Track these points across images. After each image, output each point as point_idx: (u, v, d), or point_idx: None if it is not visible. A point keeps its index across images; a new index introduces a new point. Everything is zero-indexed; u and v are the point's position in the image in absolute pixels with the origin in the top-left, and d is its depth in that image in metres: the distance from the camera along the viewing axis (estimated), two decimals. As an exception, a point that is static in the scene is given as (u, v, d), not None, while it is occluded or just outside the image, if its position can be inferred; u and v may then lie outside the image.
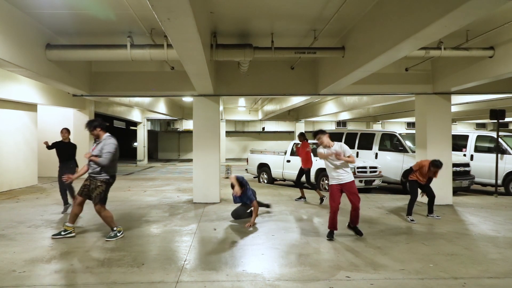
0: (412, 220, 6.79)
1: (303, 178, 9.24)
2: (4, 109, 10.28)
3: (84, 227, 6.18)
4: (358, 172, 10.29)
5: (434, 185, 7.44)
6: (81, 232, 5.87)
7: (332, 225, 5.58)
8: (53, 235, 5.51)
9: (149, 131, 25.35)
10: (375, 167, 10.82)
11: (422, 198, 7.55)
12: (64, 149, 7.35)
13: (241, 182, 6.60)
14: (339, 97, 16.63)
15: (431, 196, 7.14)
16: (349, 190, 5.57)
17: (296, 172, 12.22)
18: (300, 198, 9.07)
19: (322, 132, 5.72)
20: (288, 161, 12.14)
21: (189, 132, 27.28)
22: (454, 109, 13.95)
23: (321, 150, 5.64)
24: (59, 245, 5.18)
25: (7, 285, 3.82)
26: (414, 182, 7.06)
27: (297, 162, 11.78)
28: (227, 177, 14.30)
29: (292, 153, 12.16)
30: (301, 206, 8.26)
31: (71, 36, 7.11)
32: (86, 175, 5.60)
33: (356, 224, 5.74)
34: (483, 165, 11.25)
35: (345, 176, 5.56)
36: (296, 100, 14.23)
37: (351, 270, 4.29)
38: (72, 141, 7.65)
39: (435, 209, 7.35)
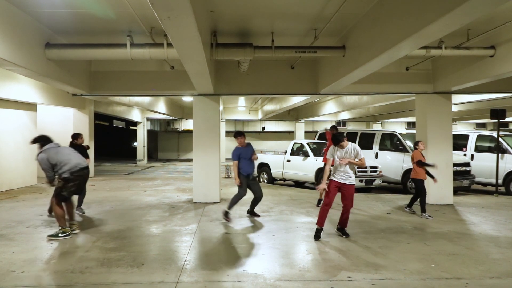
0: (430, 216, 6.98)
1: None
2: (4, 108, 10.25)
3: (84, 227, 6.15)
4: (358, 172, 10.26)
5: (435, 184, 7.44)
6: (80, 232, 5.83)
7: (320, 222, 5.53)
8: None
9: (149, 131, 25.32)
10: (376, 167, 10.80)
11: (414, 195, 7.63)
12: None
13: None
14: (339, 97, 16.61)
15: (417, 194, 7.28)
16: (347, 191, 5.52)
17: (297, 172, 12.20)
18: (320, 201, 8.20)
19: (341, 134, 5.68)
20: (288, 160, 12.11)
21: (189, 132, 27.26)
22: (454, 108, 13.92)
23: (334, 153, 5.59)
24: (58, 245, 5.15)
25: (6, 285, 3.79)
26: (418, 180, 7.20)
27: (297, 162, 11.80)
28: (227, 177, 14.27)
29: (293, 153, 12.14)
30: (302, 206, 8.23)
31: (70, 35, 7.08)
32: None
33: (344, 226, 5.72)
34: (484, 165, 11.23)
35: (348, 177, 5.52)
36: (296, 100, 14.21)
37: (352, 270, 4.27)
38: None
39: (437, 208, 7.33)
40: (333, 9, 5.57)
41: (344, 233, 5.70)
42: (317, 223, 5.60)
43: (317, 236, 5.52)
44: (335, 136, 5.50)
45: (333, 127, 8.15)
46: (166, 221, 6.68)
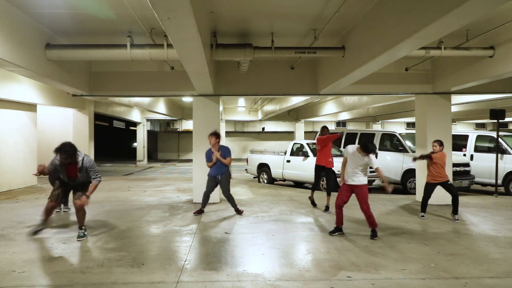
0: (422, 216, 7.07)
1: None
2: (4, 109, 10.26)
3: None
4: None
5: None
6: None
7: (337, 222, 5.78)
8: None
9: (148, 131, 25.34)
10: (375, 167, 10.80)
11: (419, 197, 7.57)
12: None
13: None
14: (339, 97, 16.62)
15: (454, 195, 7.03)
16: (357, 192, 5.64)
17: (297, 172, 12.19)
18: (327, 207, 7.81)
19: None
20: (288, 161, 12.12)
21: (188, 132, 27.27)
22: (454, 109, 13.94)
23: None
24: (59, 245, 5.16)
25: (7, 286, 3.80)
26: (428, 184, 7.04)
27: (297, 162, 11.82)
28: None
29: (292, 153, 12.15)
30: (301, 206, 8.24)
31: (70, 36, 7.09)
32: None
33: (371, 227, 5.65)
34: (483, 165, 11.24)
35: (356, 178, 5.57)
36: (296, 100, 14.23)
37: (352, 270, 4.28)
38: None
39: (436, 209, 7.34)
40: (333, 10, 5.58)
41: (372, 234, 5.61)
42: (335, 223, 5.85)
43: (332, 232, 5.77)
44: (367, 146, 5.58)
45: (324, 128, 8.28)
46: (166, 221, 6.69)
